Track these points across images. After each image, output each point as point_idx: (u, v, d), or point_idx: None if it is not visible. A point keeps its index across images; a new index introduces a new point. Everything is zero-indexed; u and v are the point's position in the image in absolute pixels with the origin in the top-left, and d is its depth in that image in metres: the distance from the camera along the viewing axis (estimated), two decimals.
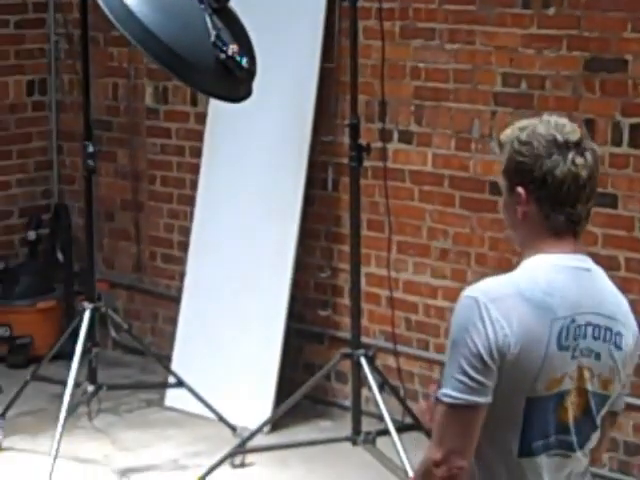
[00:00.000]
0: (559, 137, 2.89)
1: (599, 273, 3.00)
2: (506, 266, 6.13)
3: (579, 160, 2.88)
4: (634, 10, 5.73)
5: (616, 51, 5.81)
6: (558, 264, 2.92)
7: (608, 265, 3.22)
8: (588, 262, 2.97)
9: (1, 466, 6.23)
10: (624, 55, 5.78)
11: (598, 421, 2.98)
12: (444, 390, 2.83)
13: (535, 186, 2.90)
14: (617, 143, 5.82)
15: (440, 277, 6.45)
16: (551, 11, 5.98)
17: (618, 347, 2.94)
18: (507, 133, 2.99)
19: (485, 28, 6.19)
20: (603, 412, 2.98)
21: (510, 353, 2.80)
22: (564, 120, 2.97)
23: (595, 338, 2.91)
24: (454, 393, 2.81)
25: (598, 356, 2.91)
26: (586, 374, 2.91)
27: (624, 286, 3.05)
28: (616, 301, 2.99)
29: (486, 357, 2.79)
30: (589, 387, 2.92)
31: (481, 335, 2.80)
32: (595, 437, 3.00)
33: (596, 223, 5.86)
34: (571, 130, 2.93)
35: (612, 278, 3.00)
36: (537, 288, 2.88)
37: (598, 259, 2.98)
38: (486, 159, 6.23)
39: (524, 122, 3.00)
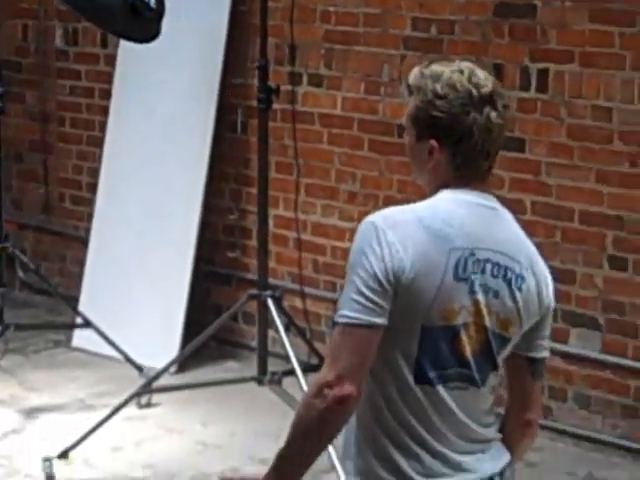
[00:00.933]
0: (474, 91, 2.88)
1: (505, 214, 2.99)
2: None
3: (493, 115, 2.89)
4: None
5: None
6: (461, 198, 2.93)
7: (514, 208, 3.22)
8: (493, 202, 2.97)
9: None
10: (533, 0, 5.81)
11: (498, 361, 2.97)
12: (341, 311, 2.83)
13: (449, 141, 2.90)
14: (525, 88, 5.86)
15: (348, 220, 6.45)
16: None
17: (519, 288, 2.92)
18: (417, 77, 2.95)
19: None
20: (504, 354, 2.97)
21: (405, 277, 2.81)
22: (476, 69, 2.94)
23: (494, 276, 2.90)
24: (350, 313, 2.81)
25: (496, 294, 2.90)
26: (484, 310, 2.91)
27: (529, 229, 3.04)
28: (520, 244, 2.98)
29: (382, 278, 2.80)
30: (487, 324, 2.92)
31: (377, 257, 2.81)
32: (495, 377, 2.99)
33: (503, 167, 5.90)
34: (484, 81, 2.91)
35: (518, 221, 3.00)
36: (437, 217, 2.88)
37: (505, 202, 2.97)
38: (395, 103, 6.23)
39: (435, 68, 2.95)
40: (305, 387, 5.39)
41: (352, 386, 2.81)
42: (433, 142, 2.91)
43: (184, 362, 6.36)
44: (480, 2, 5.97)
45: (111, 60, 7.12)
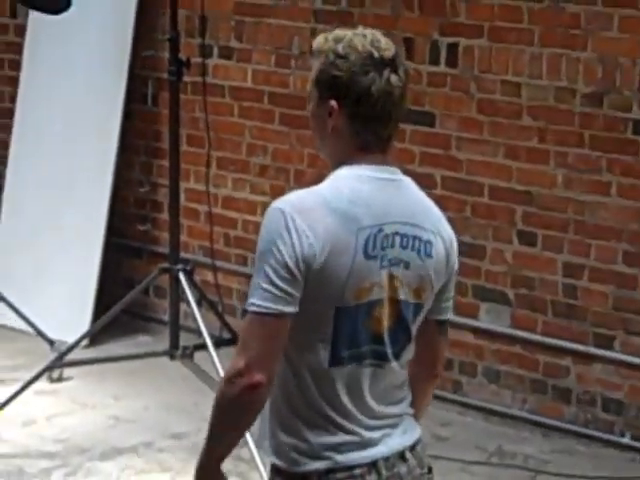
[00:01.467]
0: (375, 53, 2.88)
1: (408, 184, 3.01)
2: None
3: (393, 78, 2.89)
4: None
5: None
6: (363, 174, 2.93)
7: (425, 183, 3.24)
8: (396, 174, 2.98)
9: None
10: None
11: (413, 331, 3.01)
12: (250, 300, 2.84)
13: (349, 101, 2.89)
14: (435, 62, 5.88)
15: (259, 193, 6.46)
16: None
17: (428, 255, 2.95)
18: (320, 42, 2.96)
19: None
20: (418, 321, 3.00)
21: (316, 262, 2.83)
22: (379, 35, 2.94)
23: (403, 247, 2.92)
24: (260, 302, 2.83)
25: (407, 265, 2.93)
26: (396, 283, 2.93)
27: (440, 204, 3.05)
28: (425, 210, 3.00)
29: (292, 266, 2.82)
30: (401, 296, 2.94)
31: (287, 245, 2.82)
32: (410, 348, 3.02)
33: (414, 141, 5.94)
34: (386, 46, 2.91)
35: (429, 196, 3.00)
36: (342, 198, 2.89)
37: (415, 177, 2.98)
38: (306, 76, 6.18)
39: (338, 33, 2.95)
40: (217, 361, 5.41)
41: (261, 374, 2.84)
42: (333, 102, 2.90)
43: (96, 336, 6.33)
44: None
45: (21, 30, 7.06)
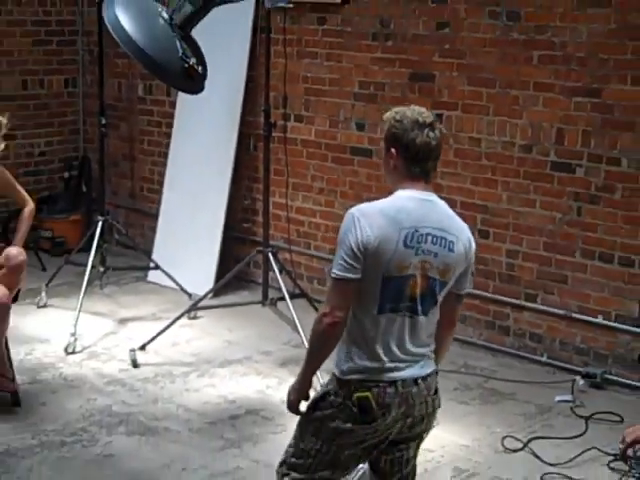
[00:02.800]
0: (419, 119, 2.99)
1: (441, 203, 3.06)
2: (359, 199, 6.22)
3: (431, 134, 2.99)
4: (439, 44, 5.79)
5: (428, 69, 5.87)
6: (410, 195, 3.01)
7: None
8: (432, 196, 3.04)
9: (46, 316, 6.21)
10: (433, 71, 5.85)
11: (439, 299, 3.05)
12: (332, 270, 2.97)
13: (403, 149, 3.00)
14: None
15: (317, 205, 6.51)
16: (390, 43, 6.02)
17: (451, 250, 3.00)
18: (388, 114, 3.06)
19: (349, 52, 6.22)
20: (444, 293, 3.05)
21: (371, 246, 2.92)
22: (423, 109, 3.05)
23: (434, 243, 2.98)
24: (337, 272, 2.96)
25: (436, 255, 2.98)
26: (427, 266, 2.98)
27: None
28: (451, 221, 3.04)
29: (355, 249, 2.93)
30: (430, 274, 3.00)
31: (353, 235, 2.94)
32: (436, 310, 3.07)
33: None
34: (427, 114, 3.01)
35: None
36: (392, 209, 2.99)
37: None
38: (347, 133, 6.28)
39: (398, 108, 3.08)
40: (291, 307, 5.46)
41: (337, 316, 2.97)
42: (393, 150, 3.03)
43: (217, 291, 6.36)
44: (400, 72, 5.99)
45: (173, 104, 7.13)
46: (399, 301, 3.00)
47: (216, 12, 4.97)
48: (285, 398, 3.21)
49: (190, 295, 6.38)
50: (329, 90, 6.34)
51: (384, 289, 2.97)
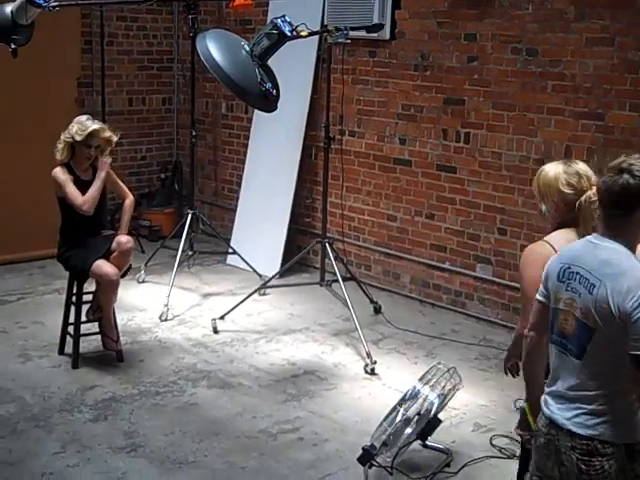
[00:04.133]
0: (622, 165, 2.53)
1: (605, 249, 2.51)
2: (400, 201, 6.21)
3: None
4: (469, 74, 5.76)
5: (459, 95, 5.83)
6: (586, 237, 2.63)
7: None
8: (604, 242, 2.52)
9: (145, 290, 6.29)
10: (463, 97, 5.81)
11: (587, 347, 2.47)
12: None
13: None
14: (458, 141, 5.83)
15: (366, 204, 6.49)
16: (428, 73, 5.99)
17: (590, 292, 2.47)
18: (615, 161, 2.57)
19: (394, 80, 6.20)
20: (595, 342, 2.46)
21: (547, 280, 2.65)
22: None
23: (579, 282, 2.51)
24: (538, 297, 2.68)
25: (580, 294, 2.50)
26: (573, 303, 2.53)
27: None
28: (605, 267, 2.47)
29: (543, 279, 2.66)
30: (576, 313, 2.52)
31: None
32: (599, 359, 2.46)
33: (446, 180, 5.88)
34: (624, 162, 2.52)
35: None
36: (561, 243, 2.81)
37: None
38: (391, 147, 6.26)
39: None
40: (343, 288, 5.41)
41: (532, 332, 2.71)
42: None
43: (282, 273, 6.34)
44: (436, 97, 5.96)
45: (250, 120, 7.14)
46: (556, 333, 2.59)
47: (288, 46, 4.99)
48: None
49: (261, 276, 6.41)
50: (377, 111, 6.32)
51: (552, 319, 2.62)
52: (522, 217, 5.59)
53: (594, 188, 2.81)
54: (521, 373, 2.92)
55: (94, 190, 4.79)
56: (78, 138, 4.74)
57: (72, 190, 4.76)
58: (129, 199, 5.06)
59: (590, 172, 3.02)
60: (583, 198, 2.89)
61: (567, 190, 2.98)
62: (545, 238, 3.01)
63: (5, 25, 4.70)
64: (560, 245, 2.82)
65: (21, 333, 5.33)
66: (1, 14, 4.73)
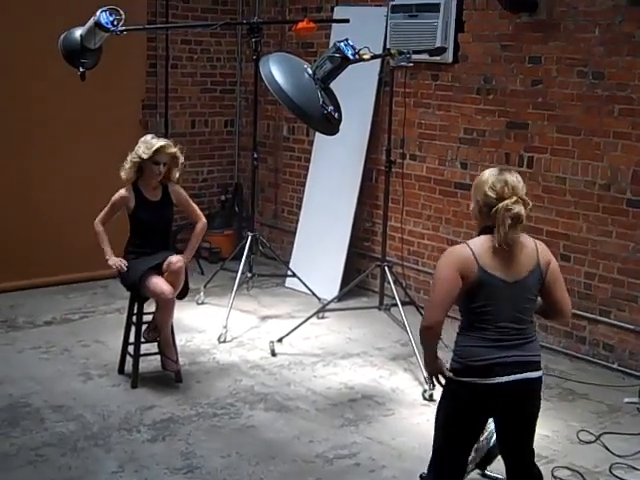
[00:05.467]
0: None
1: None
2: (460, 225, 6.16)
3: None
4: (533, 98, 5.71)
5: (523, 119, 5.79)
6: None
7: None
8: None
9: (204, 311, 6.32)
10: (527, 121, 5.76)
11: None
12: None
13: None
14: (520, 165, 5.76)
15: (426, 229, 6.47)
16: (491, 97, 5.97)
17: None
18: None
19: (456, 104, 6.19)
20: None
21: None
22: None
23: None
24: None
25: None
26: None
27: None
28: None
29: None
30: None
31: None
32: None
33: None
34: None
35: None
36: None
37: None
38: (452, 171, 6.24)
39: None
40: (402, 313, 5.38)
41: None
42: None
43: (342, 297, 6.36)
44: (499, 121, 5.93)
45: (311, 143, 7.17)
46: None
47: (350, 69, 5.02)
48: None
49: (319, 299, 6.41)
50: (439, 134, 6.31)
51: None
52: (587, 243, 5.51)
53: (514, 198, 2.91)
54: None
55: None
56: (145, 156, 4.81)
57: (105, 212, 4.90)
58: (201, 222, 5.05)
59: (520, 184, 3.04)
60: (501, 204, 2.94)
61: (490, 193, 3.01)
62: (468, 241, 3.08)
63: (74, 49, 4.83)
64: (478, 250, 2.94)
65: (83, 352, 5.42)
66: (71, 38, 4.87)
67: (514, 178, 3.05)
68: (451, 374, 3.04)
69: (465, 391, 3.00)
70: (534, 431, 3.16)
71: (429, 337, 3.01)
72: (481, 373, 2.97)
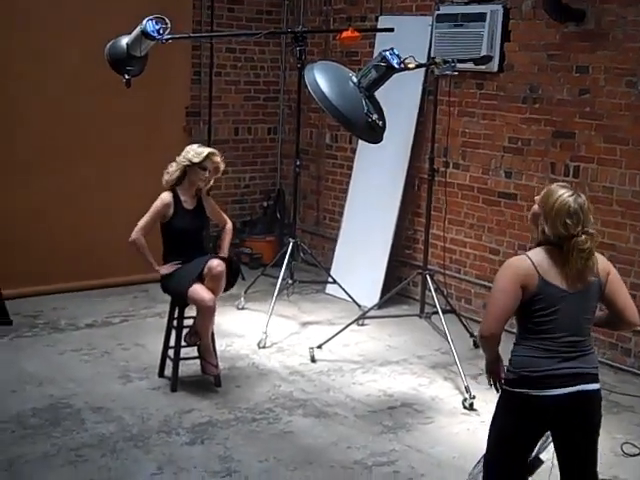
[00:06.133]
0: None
1: None
2: (503, 234, 6.10)
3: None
4: (580, 107, 5.65)
5: (570, 128, 5.73)
6: None
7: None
8: None
9: (244, 316, 6.33)
10: (574, 130, 5.70)
11: None
12: None
13: None
14: (567, 175, 5.70)
15: (468, 237, 6.43)
16: (537, 106, 5.91)
17: None
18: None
19: (501, 112, 6.14)
20: None
21: None
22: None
23: None
24: None
25: None
26: None
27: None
28: None
29: None
30: None
31: None
32: None
33: None
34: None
35: None
36: None
37: None
38: (496, 180, 6.19)
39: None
40: (443, 320, 5.33)
41: None
42: None
43: (382, 304, 6.34)
44: (544, 130, 5.87)
45: (354, 151, 7.18)
46: None
47: (395, 78, 5.00)
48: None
49: (360, 306, 6.38)
50: (483, 143, 6.26)
51: None
52: (634, 254, 5.42)
53: (584, 237, 2.93)
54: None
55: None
56: (195, 160, 4.91)
57: (145, 220, 4.91)
58: (229, 225, 5.25)
59: (591, 213, 3.04)
60: (573, 241, 2.97)
61: (567, 221, 2.99)
62: (526, 252, 3.08)
63: (120, 57, 4.88)
64: (538, 260, 2.95)
65: (123, 354, 5.45)
66: (117, 46, 4.91)
67: (586, 206, 3.01)
68: (505, 384, 2.99)
69: (518, 402, 2.93)
70: (596, 451, 3.02)
71: (486, 345, 3.04)
72: (534, 384, 2.90)
